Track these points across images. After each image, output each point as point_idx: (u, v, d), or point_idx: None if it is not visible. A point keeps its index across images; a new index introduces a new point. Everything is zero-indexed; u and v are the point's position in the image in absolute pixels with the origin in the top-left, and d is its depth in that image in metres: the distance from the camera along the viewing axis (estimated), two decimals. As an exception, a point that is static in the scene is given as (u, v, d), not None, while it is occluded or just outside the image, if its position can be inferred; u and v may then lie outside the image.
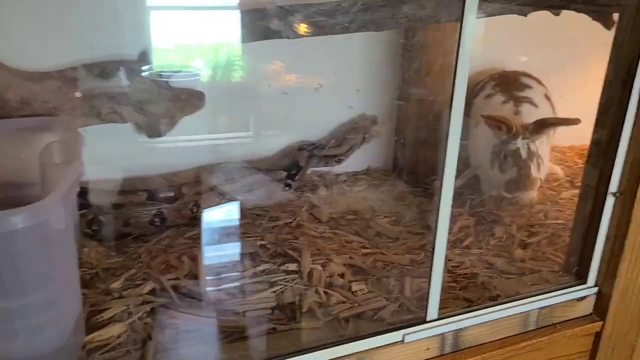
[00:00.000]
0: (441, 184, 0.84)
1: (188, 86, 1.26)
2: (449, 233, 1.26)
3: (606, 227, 0.96)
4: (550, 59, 1.58)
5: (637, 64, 0.87)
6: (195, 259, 1.02)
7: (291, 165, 1.41)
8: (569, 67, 1.65)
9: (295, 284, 0.97)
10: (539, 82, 1.51)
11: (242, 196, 1.32)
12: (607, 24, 1.02)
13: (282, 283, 0.96)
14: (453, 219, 1.34)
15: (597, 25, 1.10)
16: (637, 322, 1.02)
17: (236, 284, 0.96)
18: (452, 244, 1.19)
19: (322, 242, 1.14)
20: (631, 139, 0.91)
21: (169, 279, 0.96)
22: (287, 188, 1.38)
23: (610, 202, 0.95)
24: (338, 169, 1.56)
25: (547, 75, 1.53)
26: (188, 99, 1.24)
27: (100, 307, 0.89)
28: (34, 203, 0.64)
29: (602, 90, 0.94)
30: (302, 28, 1.13)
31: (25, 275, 0.66)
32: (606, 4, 0.99)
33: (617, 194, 0.94)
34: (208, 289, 0.94)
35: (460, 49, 0.75)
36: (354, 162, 1.58)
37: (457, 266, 1.10)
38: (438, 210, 0.86)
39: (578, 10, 1.06)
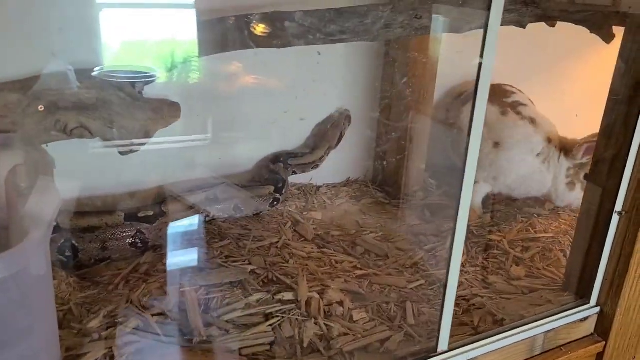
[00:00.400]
0: (455, 221, 0.79)
1: (161, 96, 1.17)
2: (442, 250, 1.24)
3: (610, 246, 0.94)
4: (532, 68, 1.57)
5: (646, 81, 0.85)
6: (179, 288, 0.93)
7: (274, 179, 1.33)
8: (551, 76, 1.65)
9: (293, 315, 0.90)
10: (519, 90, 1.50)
11: (227, 214, 1.24)
12: (606, 38, 1.01)
13: (278, 315, 0.89)
14: (443, 234, 1.31)
15: (587, 37, 1.08)
16: (637, 338, 1.01)
17: (229, 316, 0.88)
18: (444, 262, 1.15)
19: (312, 265, 1.08)
20: (638, 157, 0.89)
21: (154, 314, 0.87)
22: (276, 203, 1.30)
23: (615, 221, 0.93)
24: (318, 180, 1.49)
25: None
26: (162, 111, 1.14)
27: (77, 351, 0.79)
28: (11, 250, 0.54)
29: (605, 108, 0.92)
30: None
31: (1, 333, 0.56)
32: (606, 17, 0.98)
33: (622, 213, 0.92)
34: (198, 324, 0.85)
35: (484, 62, 0.71)
36: (334, 173, 1.52)
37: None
38: (452, 242, 0.81)
39: (577, 23, 1.03)
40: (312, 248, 1.18)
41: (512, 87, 1.51)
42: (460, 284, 1.07)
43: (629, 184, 0.90)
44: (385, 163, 1.52)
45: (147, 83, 1.14)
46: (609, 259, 0.95)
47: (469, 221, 1.36)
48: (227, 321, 0.87)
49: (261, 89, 1.36)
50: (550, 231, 1.29)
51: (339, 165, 1.52)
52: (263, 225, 1.23)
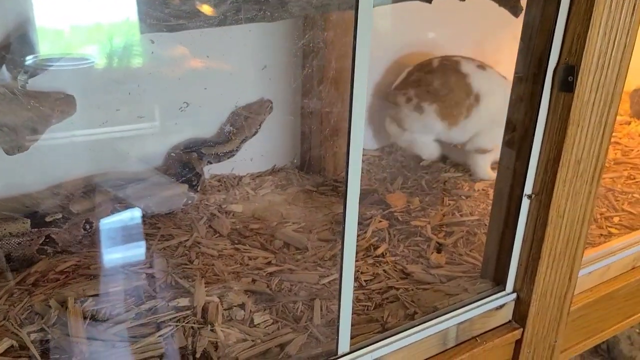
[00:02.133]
0: (345, 207, 0.74)
1: (56, 88, 1.08)
2: (362, 239, 1.19)
3: (522, 230, 0.90)
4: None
5: (549, 57, 0.80)
6: (65, 301, 0.86)
7: (187, 173, 1.26)
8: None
9: (187, 322, 0.84)
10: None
11: (140, 211, 1.16)
12: (515, 11, 0.96)
13: (171, 323, 0.83)
14: (366, 222, 1.26)
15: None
16: (556, 323, 0.98)
17: (117, 329, 0.81)
18: (364, 253, 1.11)
19: (220, 264, 1.01)
20: (544, 138, 0.84)
21: (31, 332, 0.79)
22: (190, 202, 1.23)
23: (525, 204, 0.88)
24: (241, 170, 1.42)
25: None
26: (54, 106, 1.05)
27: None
28: None
29: (511, 87, 0.87)
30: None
31: None
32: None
33: (532, 196, 0.88)
34: (80, 340, 0.78)
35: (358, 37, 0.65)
36: (258, 162, 1.45)
37: (371, 280, 1.01)
38: (343, 234, 0.75)
39: (484, -4, 0.98)
40: (226, 245, 1.11)
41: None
42: (376, 276, 1.03)
43: (537, 166, 0.86)
44: (311, 149, 1.46)
45: (32, 75, 1.05)
46: (522, 244, 0.91)
47: (395, 207, 1.33)
48: (114, 334, 0.81)
49: (178, 74, 1.28)
50: (477, 213, 1.25)
51: (264, 153, 1.45)
52: (175, 222, 1.16)
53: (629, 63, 0.83)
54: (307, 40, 1.36)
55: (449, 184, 1.40)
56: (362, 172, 1.49)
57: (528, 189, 0.88)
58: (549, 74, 0.81)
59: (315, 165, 1.46)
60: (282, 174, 1.44)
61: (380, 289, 0.98)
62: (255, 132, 1.37)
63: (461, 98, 1.38)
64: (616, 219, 1.29)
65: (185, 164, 1.28)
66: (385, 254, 1.10)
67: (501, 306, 0.94)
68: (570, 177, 0.86)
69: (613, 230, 1.24)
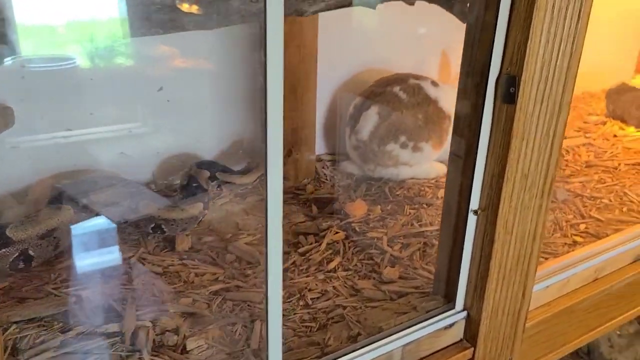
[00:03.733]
0: (266, 217, 0.70)
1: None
2: (316, 252, 1.15)
3: (470, 247, 0.86)
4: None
5: (489, 67, 0.76)
6: (-11, 328, 0.82)
7: (200, 193, 1.22)
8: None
9: (115, 350, 0.80)
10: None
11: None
12: (463, 17, 0.91)
13: (97, 352, 0.79)
14: (322, 233, 1.22)
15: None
16: (510, 341, 0.95)
17: (38, 359, 0.77)
18: (316, 267, 1.07)
19: (161, 283, 0.97)
20: (489, 151, 0.80)
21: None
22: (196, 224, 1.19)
23: (472, 220, 0.85)
24: (200, 179, 1.38)
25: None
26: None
27: None
28: None
29: (457, 97, 0.83)
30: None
31: None
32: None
33: (479, 212, 0.84)
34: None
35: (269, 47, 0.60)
36: (219, 169, 1.42)
37: (318, 298, 0.97)
38: (266, 248, 0.71)
39: (429, 0, 0.93)
40: (173, 260, 1.07)
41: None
42: (324, 293, 0.99)
43: (482, 181, 0.82)
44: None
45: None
46: (470, 260, 0.87)
47: (354, 216, 1.29)
48: (35, 365, 0.77)
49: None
50: (437, 223, 1.21)
51: (225, 160, 1.41)
52: (122, 237, 1.12)
53: (577, 72, 0.79)
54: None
55: (413, 190, 1.36)
56: (325, 179, 1.46)
57: (474, 204, 0.84)
58: (490, 85, 0.77)
59: (248, 168, 1.42)
60: (242, 183, 1.40)
61: (327, 308, 0.94)
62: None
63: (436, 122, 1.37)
64: (582, 226, 1.26)
65: (191, 176, 1.25)
66: (338, 268, 1.06)
67: (451, 325, 0.90)
68: (517, 191, 0.82)
69: (578, 239, 1.21)
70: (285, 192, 1.37)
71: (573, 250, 1.14)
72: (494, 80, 0.77)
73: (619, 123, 1.83)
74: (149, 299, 0.92)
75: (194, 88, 1.33)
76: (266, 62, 0.60)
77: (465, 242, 0.86)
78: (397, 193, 1.36)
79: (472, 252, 0.87)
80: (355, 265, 1.07)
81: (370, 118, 1.38)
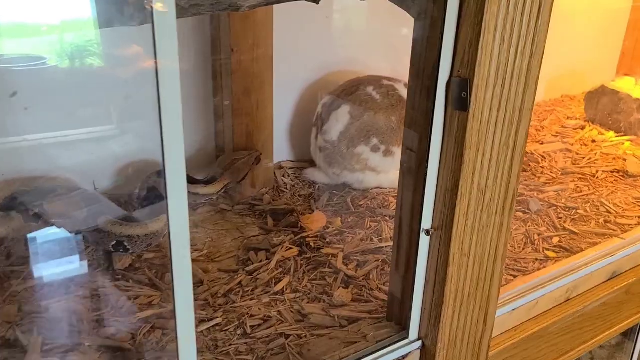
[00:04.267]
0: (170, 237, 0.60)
1: None
2: (265, 271, 1.05)
3: (424, 270, 0.77)
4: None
5: (438, 69, 0.67)
6: None
7: (155, 200, 1.12)
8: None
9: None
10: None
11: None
12: (413, 12, 0.82)
13: (-9, 396, 0.69)
14: (274, 249, 1.13)
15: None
16: (471, 371, 0.86)
17: None
18: (263, 289, 0.97)
19: (85, 310, 0.87)
20: (440, 164, 0.71)
21: None
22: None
23: (424, 241, 0.75)
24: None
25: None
26: None
27: None
28: None
29: (406, 103, 0.74)
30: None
31: None
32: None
33: (431, 231, 0.75)
34: None
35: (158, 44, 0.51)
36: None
37: (259, 325, 0.88)
38: (172, 274, 0.62)
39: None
40: (107, 281, 0.97)
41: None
42: (267, 319, 0.90)
43: (434, 197, 0.73)
44: (226, 162, 1.32)
45: None
46: (424, 285, 0.78)
47: (310, 230, 1.20)
48: None
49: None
50: (399, 237, 1.12)
51: (190, 167, 1.31)
52: (69, 254, 1.02)
53: (538, 74, 0.71)
54: (216, 42, 1.22)
55: (377, 201, 1.27)
56: (285, 189, 1.37)
57: (426, 223, 0.75)
58: (440, 89, 0.68)
59: (214, 177, 1.32)
60: (194, 193, 1.30)
61: (268, 337, 0.85)
62: (242, 180, 1.25)
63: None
64: (555, 240, 1.17)
65: (151, 188, 1.15)
66: (286, 289, 0.97)
67: (404, 356, 0.81)
68: (474, 209, 0.73)
69: (550, 254, 1.12)
70: (240, 203, 1.29)
71: (544, 268, 1.06)
72: (444, 83, 0.68)
73: (598, 127, 1.76)
74: (63, 329, 0.82)
75: (184, 85, 1.23)
76: (157, 69, 0.50)
77: (417, 265, 0.77)
78: (360, 204, 1.26)
79: (425, 276, 0.78)
80: (305, 286, 0.97)
81: (341, 118, 1.29)
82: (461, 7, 0.65)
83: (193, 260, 1.07)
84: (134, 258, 1.05)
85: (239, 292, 0.97)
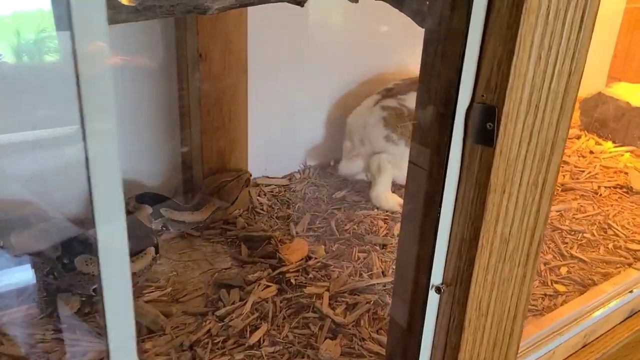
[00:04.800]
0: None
1: None
2: (238, 317, 0.90)
3: (431, 334, 0.64)
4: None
5: (457, 93, 0.53)
6: None
7: (147, 234, 0.97)
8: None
9: None
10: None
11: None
12: (419, 19, 0.68)
13: None
14: (249, 287, 0.98)
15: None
16: None
17: None
18: (235, 340, 0.83)
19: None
20: (456, 209, 0.58)
21: None
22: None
23: (433, 299, 0.62)
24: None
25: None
26: None
27: None
28: None
29: (413, 132, 0.60)
30: None
31: None
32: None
33: (443, 288, 0.61)
34: None
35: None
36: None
37: (230, 392, 0.73)
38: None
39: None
40: (46, 332, 0.81)
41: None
42: (240, 383, 0.75)
43: (447, 248, 0.60)
44: (194, 179, 1.16)
45: None
46: (431, 349, 0.65)
47: (291, 262, 1.06)
48: None
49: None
50: (391, 272, 0.99)
51: (128, 187, 1.15)
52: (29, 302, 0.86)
53: (576, 97, 0.58)
54: (182, 48, 1.06)
55: (364, 225, 1.14)
56: (261, 210, 1.22)
57: (436, 278, 0.61)
58: (458, 119, 0.54)
59: (201, 201, 1.16)
60: (157, 215, 1.15)
61: (242, 408, 0.71)
62: (232, 204, 1.13)
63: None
64: (564, 270, 1.05)
65: (131, 215, 1.02)
66: (263, 341, 0.82)
67: None
68: (495, 261, 0.59)
69: (560, 288, 1.00)
70: (211, 227, 1.14)
71: (556, 308, 0.93)
72: (463, 111, 0.54)
73: (595, 137, 1.65)
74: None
75: (133, 94, 1.07)
76: (78, 80, 0.35)
77: (424, 328, 0.63)
78: (346, 228, 1.13)
79: (433, 340, 0.64)
80: (286, 336, 0.83)
81: None
82: (488, 16, 0.51)
83: (154, 301, 0.92)
84: (83, 299, 0.90)
85: (206, 345, 0.82)
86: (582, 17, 0.53)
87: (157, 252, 0.97)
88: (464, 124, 0.55)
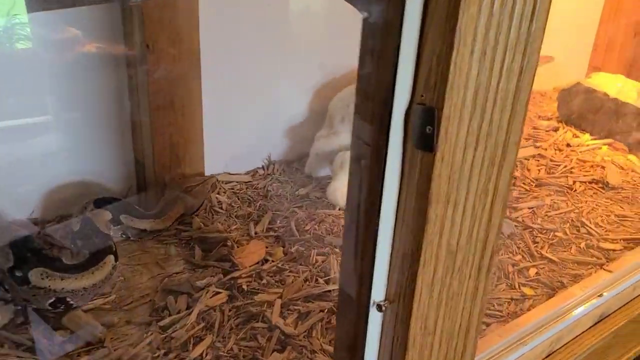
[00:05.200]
0: None
1: None
2: (182, 327, 0.85)
3: (375, 353, 0.59)
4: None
5: (393, 93, 0.48)
6: None
7: (105, 241, 0.91)
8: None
9: None
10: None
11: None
12: (361, 6, 0.62)
13: None
14: (197, 295, 0.91)
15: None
16: None
17: None
18: (177, 354, 0.77)
19: None
20: (397, 221, 0.52)
21: None
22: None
23: (375, 317, 0.57)
24: (49, 213, 1.06)
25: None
26: None
27: None
28: None
29: (352, 136, 0.54)
30: None
31: None
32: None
33: (385, 305, 0.56)
34: None
35: None
36: (75, 198, 1.09)
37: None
38: None
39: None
40: (-26, 348, 0.76)
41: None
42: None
43: (389, 263, 0.54)
44: (146, 179, 1.10)
45: None
46: (376, 370, 0.60)
47: (245, 266, 1.00)
48: None
49: None
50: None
51: (79, 187, 1.08)
52: None
53: (529, 97, 0.52)
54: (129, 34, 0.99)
55: (325, 225, 1.08)
56: (220, 208, 1.16)
57: (378, 294, 0.56)
58: (395, 121, 0.49)
59: (153, 202, 1.10)
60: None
61: None
62: (197, 210, 1.08)
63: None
64: (532, 272, 1.01)
65: (86, 220, 0.96)
66: (206, 354, 0.77)
67: None
68: (442, 275, 0.54)
69: (527, 291, 0.96)
70: (165, 229, 1.08)
71: (523, 313, 0.89)
72: (401, 113, 0.49)
73: (573, 129, 1.60)
74: None
75: (84, 90, 1.00)
76: None
77: (367, 348, 0.58)
78: (307, 229, 1.07)
79: None
80: (231, 349, 0.78)
81: None
82: (425, 10, 0.45)
83: (96, 309, 0.86)
84: (19, 308, 0.84)
85: (146, 358, 0.76)
86: (534, 7, 0.47)
87: (116, 259, 0.91)
88: (402, 127, 0.49)
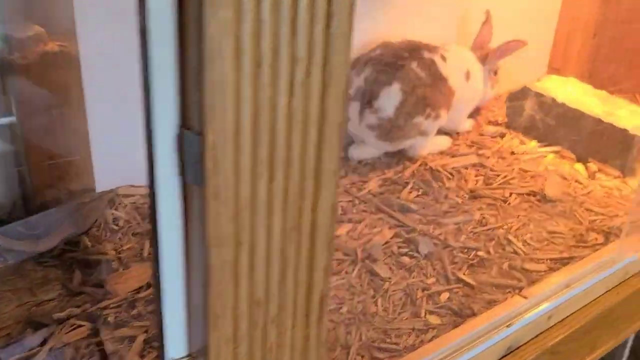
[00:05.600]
0: None
1: None
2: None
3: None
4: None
5: (150, 114, 0.39)
6: None
7: None
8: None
9: None
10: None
11: None
12: None
13: None
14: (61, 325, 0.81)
15: None
16: None
17: None
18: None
19: None
20: (187, 268, 0.43)
21: None
22: None
23: (177, 377, 0.48)
24: None
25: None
26: None
27: None
28: None
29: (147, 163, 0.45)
30: None
31: None
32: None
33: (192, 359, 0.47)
34: None
35: None
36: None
37: None
38: None
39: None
40: None
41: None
42: None
43: (188, 314, 0.45)
44: (25, 194, 1.01)
45: None
46: None
47: (118, 294, 0.91)
48: None
49: None
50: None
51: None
52: None
53: (342, 118, 0.43)
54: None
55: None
56: (115, 225, 1.07)
57: (177, 351, 0.47)
58: (163, 149, 0.40)
59: (40, 222, 1.01)
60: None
61: None
62: (88, 229, 0.98)
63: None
64: (444, 297, 0.92)
65: None
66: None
67: None
68: (248, 329, 0.46)
69: (433, 320, 0.87)
70: (49, 251, 0.98)
71: (420, 343, 0.80)
72: (170, 138, 0.40)
73: (520, 136, 1.52)
74: None
75: None
76: None
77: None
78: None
79: None
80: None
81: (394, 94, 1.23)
82: (181, 9, 0.36)
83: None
84: None
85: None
86: (328, 10, 0.38)
87: None
88: (177, 156, 0.40)
